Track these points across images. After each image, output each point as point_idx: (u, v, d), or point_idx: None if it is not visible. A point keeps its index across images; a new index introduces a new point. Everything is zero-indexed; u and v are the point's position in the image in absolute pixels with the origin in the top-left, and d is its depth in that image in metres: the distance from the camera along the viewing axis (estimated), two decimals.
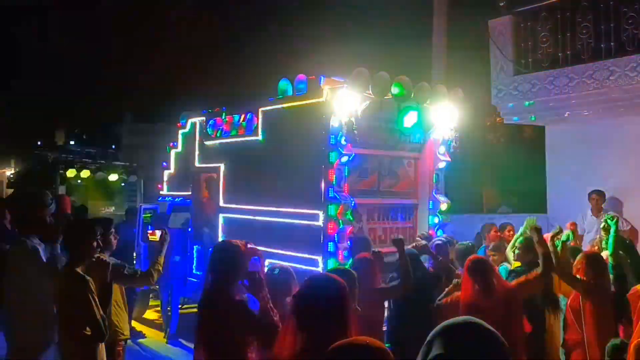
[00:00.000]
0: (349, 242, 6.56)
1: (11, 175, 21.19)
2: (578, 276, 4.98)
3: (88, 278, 3.66)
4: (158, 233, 5.04)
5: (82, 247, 3.80)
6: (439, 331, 1.49)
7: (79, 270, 3.72)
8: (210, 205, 8.95)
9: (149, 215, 9.82)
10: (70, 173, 15.21)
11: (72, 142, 16.27)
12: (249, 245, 3.73)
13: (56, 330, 4.00)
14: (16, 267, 4.21)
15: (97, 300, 3.64)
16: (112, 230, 4.81)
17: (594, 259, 5.05)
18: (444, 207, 7.75)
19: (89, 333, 3.57)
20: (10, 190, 17.37)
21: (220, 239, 8.05)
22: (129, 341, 7.47)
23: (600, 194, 8.47)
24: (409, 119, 7.21)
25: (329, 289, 2.51)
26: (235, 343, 3.23)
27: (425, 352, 1.47)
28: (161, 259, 4.57)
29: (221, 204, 8.37)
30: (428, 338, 1.49)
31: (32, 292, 4.10)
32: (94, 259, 4.05)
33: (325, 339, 2.26)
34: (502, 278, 5.02)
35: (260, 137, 7.69)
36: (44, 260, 4.07)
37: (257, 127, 7.73)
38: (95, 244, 3.87)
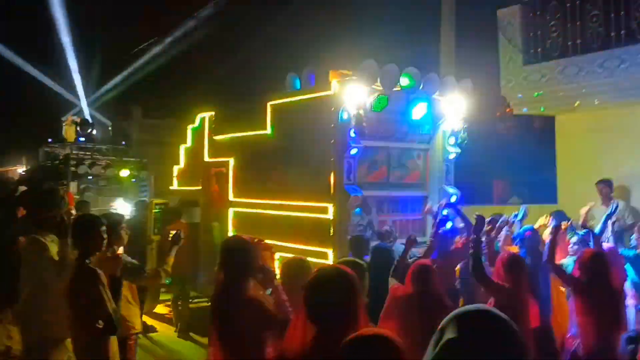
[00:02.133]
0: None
1: (23, 173, 21.35)
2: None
3: (99, 271, 3.69)
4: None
5: (90, 240, 3.83)
6: (451, 317, 1.50)
7: (88, 263, 3.75)
8: (220, 199, 9.00)
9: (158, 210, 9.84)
10: (81, 169, 15.32)
11: (82, 139, 16.25)
12: (257, 240, 3.75)
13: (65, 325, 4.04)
14: (29, 263, 4.26)
15: (108, 293, 3.67)
16: (123, 225, 4.84)
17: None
18: (453, 199, 7.73)
19: (101, 326, 3.60)
20: (23, 188, 17.45)
21: (230, 233, 8.11)
22: (140, 335, 7.59)
23: (607, 183, 8.39)
24: (418, 111, 7.22)
25: (339, 280, 2.50)
26: (250, 339, 3.24)
27: (437, 338, 1.48)
28: (170, 260, 4.59)
29: (231, 198, 8.41)
30: (441, 324, 1.50)
31: (44, 287, 4.14)
32: (104, 253, 4.08)
33: (335, 330, 2.30)
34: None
35: (269, 131, 7.71)
36: (56, 256, 4.11)
37: (266, 121, 7.75)
38: (103, 236, 3.89)
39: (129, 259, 4.64)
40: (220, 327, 3.33)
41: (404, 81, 6.84)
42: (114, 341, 3.83)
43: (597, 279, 4.61)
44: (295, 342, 2.48)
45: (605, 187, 8.29)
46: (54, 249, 4.14)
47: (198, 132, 9.34)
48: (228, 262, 3.44)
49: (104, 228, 3.93)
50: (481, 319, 1.49)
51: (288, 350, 2.52)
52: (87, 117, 18.71)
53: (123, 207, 13.40)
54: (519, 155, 14.50)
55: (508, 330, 1.46)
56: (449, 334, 1.45)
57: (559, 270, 5.15)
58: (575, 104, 9.53)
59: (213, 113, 8.93)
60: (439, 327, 1.50)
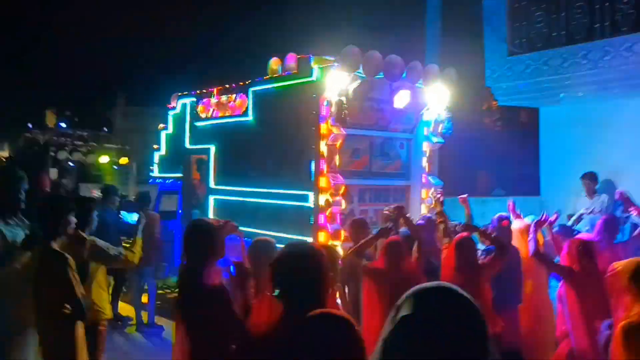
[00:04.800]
0: (338, 222, 6.52)
1: (3, 159, 21.06)
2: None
3: (67, 255, 3.57)
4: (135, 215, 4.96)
5: (57, 222, 3.70)
6: (408, 295, 1.42)
7: (55, 246, 3.63)
8: (200, 186, 8.90)
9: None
10: (61, 155, 15.13)
11: (63, 125, 16.02)
12: (224, 222, 3.66)
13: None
14: None
15: (77, 277, 3.55)
16: (94, 210, 4.73)
17: None
18: (437, 189, 7.69)
19: (69, 312, 3.49)
20: None
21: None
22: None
23: (592, 177, 8.40)
24: (401, 99, 7.14)
25: (307, 257, 2.45)
26: (214, 324, 3.16)
27: (393, 315, 1.40)
28: (139, 241, 4.49)
29: (212, 185, 8.31)
30: (398, 302, 1.42)
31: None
32: (71, 236, 3.94)
33: (301, 306, 2.26)
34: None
35: (250, 118, 7.60)
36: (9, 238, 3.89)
37: (247, 108, 7.64)
38: (70, 219, 3.77)
39: (101, 242, 4.50)
40: (183, 311, 3.24)
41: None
42: (81, 327, 3.71)
43: (587, 266, 4.70)
44: (263, 316, 2.43)
45: (590, 180, 8.29)
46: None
47: (179, 118, 9.20)
48: (190, 246, 3.35)
49: (72, 210, 3.81)
50: (438, 295, 1.41)
51: (255, 328, 2.46)
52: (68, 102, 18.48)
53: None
54: (503, 147, 14.53)
55: (467, 307, 1.39)
56: (404, 311, 1.38)
57: (548, 261, 5.15)
58: (561, 96, 9.52)
59: (194, 99, 8.79)
60: (396, 304, 1.43)
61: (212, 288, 3.15)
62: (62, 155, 14.99)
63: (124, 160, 15.92)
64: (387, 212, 6.07)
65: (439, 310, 1.37)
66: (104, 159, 15.56)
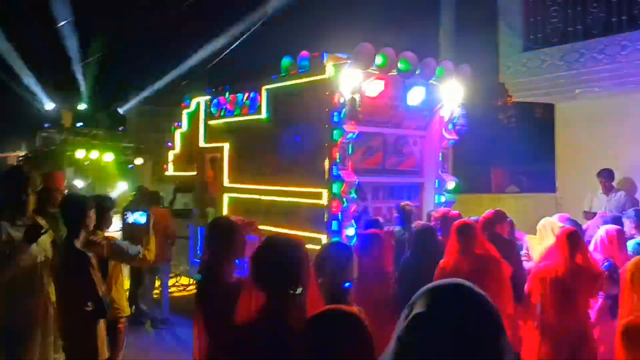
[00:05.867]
0: (353, 221, 6.50)
1: (21, 158, 21.28)
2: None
3: (89, 253, 3.62)
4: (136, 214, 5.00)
5: (79, 221, 3.74)
6: (422, 291, 1.40)
7: (77, 245, 3.67)
8: (215, 185, 8.92)
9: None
10: (78, 155, 15.27)
11: (79, 124, 16.18)
12: (249, 221, 3.67)
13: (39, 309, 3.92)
14: None
15: (99, 275, 3.60)
16: (112, 208, 4.78)
17: None
18: (450, 185, 7.64)
19: (90, 309, 3.53)
20: None
21: None
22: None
23: (608, 174, 8.28)
24: (415, 96, 7.11)
25: (288, 248, 2.50)
26: (232, 321, 3.18)
27: (407, 312, 1.38)
28: (151, 240, 4.53)
29: (226, 183, 8.33)
30: (411, 300, 1.40)
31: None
32: (92, 235, 4.00)
33: (283, 298, 2.36)
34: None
35: (264, 116, 7.61)
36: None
37: (260, 106, 7.64)
38: (91, 218, 3.82)
39: (120, 241, 4.55)
40: (203, 309, 3.26)
41: (401, 65, 6.71)
42: (102, 324, 3.76)
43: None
44: (245, 310, 2.46)
45: (607, 177, 8.18)
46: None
47: (193, 117, 9.23)
48: (212, 243, 3.37)
49: (92, 209, 3.85)
50: (453, 292, 1.39)
51: (239, 317, 2.48)
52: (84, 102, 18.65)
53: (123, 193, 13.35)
54: (517, 143, 14.42)
55: (482, 304, 1.36)
56: (418, 308, 1.36)
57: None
58: (576, 92, 9.41)
59: (209, 97, 8.82)
60: (410, 301, 1.41)
61: (231, 285, 3.17)
62: (79, 154, 15.13)
63: (139, 160, 16.02)
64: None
65: (454, 308, 1.34)
66: (120, 159, 15.71)
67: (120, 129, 18.09)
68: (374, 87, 6.72)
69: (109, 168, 15.75)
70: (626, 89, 8.87)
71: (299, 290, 2.41)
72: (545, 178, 11.58)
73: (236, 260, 3.41)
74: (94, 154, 15.40)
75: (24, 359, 3.71)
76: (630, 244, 5.28)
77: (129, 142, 17.67)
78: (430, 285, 1.42)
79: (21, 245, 3.69)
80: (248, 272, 2.57)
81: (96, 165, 15.60)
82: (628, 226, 5.93)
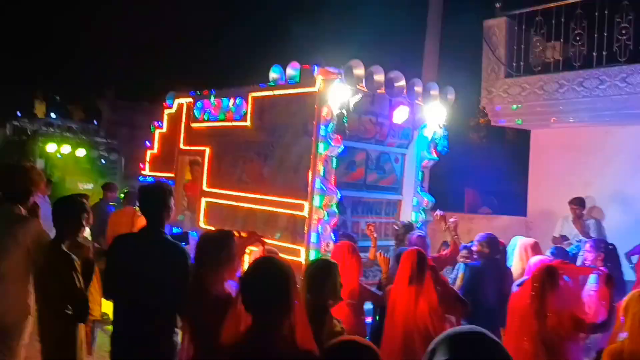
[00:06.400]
0: (333, 234, 6.56)
1: None
2: None
3: (74, 257, 3.59)
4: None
5: (69, 224, 3.72)
6: (443, 338, 1.47)
7: (64, 247, 3.64)
8: (192, 188, 8.87)
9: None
10: (50, 147, 14.97)
11: (52, 115, 15.89)
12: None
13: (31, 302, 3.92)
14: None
15: (81, 279, 3.57)
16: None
17: None
18: (427, 204, 7.78)
19: (71, 312, 3.50)
20: None
21: (201, 223, 8.01)
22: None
23: (579, 202, 8.54)
24: (400, 115, 7.22)
25: (275, 270, 2.53)
26: (218, 333, 3.20)
27: (428, 358, 1.45)
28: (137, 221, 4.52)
29: (204, 187, 8.29)
30: (431, 346, 1.47)
31: (15, 262, 3.93)
32: (78, 237, 3.96)
33: (269, 320, 2.41)
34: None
35: (248, 123, 7.61)
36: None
37: (246, 113, 7.65)
38: (82, 222, 3.79)
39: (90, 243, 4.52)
40: (190, 321, 3.27)
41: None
42: (81, 327, 3.72)
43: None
44: (232, 331, 2.49)
45: (578, 205, 8.43)
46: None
47: (174, 118, 9.17)
48: (201, 254, 3.38)
49: (85, 214, 3.83)
50: (474, 341, 1.46)
51: (226, 339, 2.51)
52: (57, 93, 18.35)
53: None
54: (490, 165, 14.71)
55: (499, 353, 1.44)
56: (441, 356, 1.43)
57: None
58: (552, 120, 9.68)
59: (191, 100, 8.78)
60: (430, 347, 1.48)
61: (219, 299, 3.18)
62: (51, 147, 14.85)
63: (114, 156, 15.84)
64: (396, 227, 6.21)
65: (475, 357, 1.42)
66: (93, 153, 15.46)
67: (94, 122, 17.79)
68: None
69: (80, 163, 15.48)
70: (599, 121, 9.17)
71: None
72: (515, 200, 11.85)
73: (227, 274, 3.41)
74: (66, 148, 15.13)
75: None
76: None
77: (103, 137, 17.39)
78: (450, 331, 1.49)
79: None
80: (237, 292, 2.60)
81: (68, 159, 15.31)
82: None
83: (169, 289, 3.50)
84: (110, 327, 7.82)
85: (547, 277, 4.22)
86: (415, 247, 4.93)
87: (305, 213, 6.64)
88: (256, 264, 2.64)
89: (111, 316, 7.68)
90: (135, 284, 3.56)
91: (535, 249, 5.75)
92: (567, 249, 7.30)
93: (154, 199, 3.87)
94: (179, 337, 3.62)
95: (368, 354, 1.86)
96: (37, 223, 4.06)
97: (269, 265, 2.59)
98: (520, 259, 5.70)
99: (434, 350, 1.46)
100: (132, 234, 4.36)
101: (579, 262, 6.51)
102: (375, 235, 6.63)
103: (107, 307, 8.43)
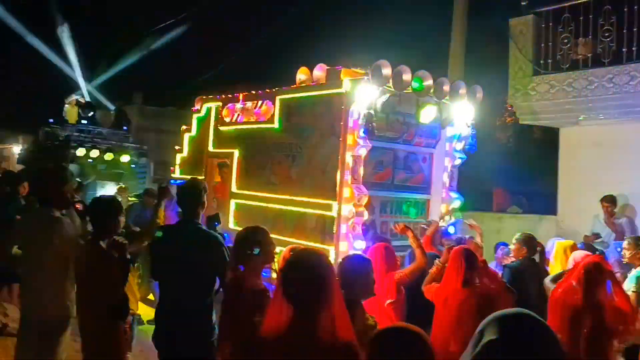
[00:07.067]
0: (362, 234, 6.58)
1: (20, 152, 21.23)
2: None
3: (113, 255, 3.68)
4: None
5: (108, 223, 3.82)
6: (490, 320, 1.51)
7: (103, 246, 3.73)
8: (222, 190, 8.98)
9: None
10: (80, 152, 15.28)
11: (83, 122, 16.21)
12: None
13: (73, 305, 4.04)
14: (41, 235, 4.17)
15: (121, 278, 3.66)
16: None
17: None
18: (456, 204, 7.75)
19: (110, 312, 3.58)
20: (20, 166, 17.40)
21: (230, 225, 8.11)
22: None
23: (611, 200, 8.42)
24: (427, 114, 7.20)
25: (315, 261, 2.56)
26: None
27: (477, 339, 1.48)
28: (161, 213, 4.66)
29: (234, 189, 8.40)
30: (479, 327, 1.51)
31: (59, 260, 4.06)
32: (115, 237, 4.06)
33: (311, 310, 2.42)
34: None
35: (276, 125, 7.69)
36: (71, 231, 4.08)
37: (273, 115, 7.73)
38: (120, 221, 3.90)
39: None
40: (227, 313, 3.34)
41: (415, 84, 6.84)
42: (122, 327, 3.82)
43: None
44: (273, 321, 2.52)
45: (610, 203, 8.32)
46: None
47: (203, 122, 9.31)
48: (239, 250, 3.46)
49: (122, 213, 3.93)
50: (522, 321, 1.50)
51: (267, 331, 2.54)
52: (88, 98, 18.67)
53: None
54: (518, 165, 14.56)
55: (548, 334, 1.47)
56: (489, 335, 1.46)
57: None
58: (580, 118, 9.57)
59: (220, 103, 8.91)
60: (478, 328, 1.51)
61: (256, 292, 3.25)
62: (82, 152, 15.16)
63: (143, 161, 16.14)
64: (424, 226, 6.20)
65: (524, 337, 1.45)
66: (124, 158, 15.72)
67: (124, 128, 18.06)
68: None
69: (110, 167, 15.76)
70: (629, 118, 9.03)
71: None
72: (544, 200, 11.71)
73: (261, 269, 3.48)
74: (95, 152, 15.43)
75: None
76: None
77: (132, 142, 17.68)
78: (498, 313, 1.53)
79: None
80: (276, 285, 2.64)
81: (98, 163, 15.60)
82: (613, 252, 6.12)
83: (205, 271, 4.05)
84: (142, 327, 8.09)
85: (596, 272, 4.19)
86: (463, 246, 4.97)
87: (333, 213, 6.68)
88: (296, 256, 2.67)
89: (143, 316, 7.92)
90: (177, 267, 4.07)
91: (574, 250, 5.68)
92: (602, 247, 7.21)
93: (191, 194, 4.39)
94: (214, 316, 4.11)
95: (419, 340, 1.87)
96: (69, 224, 4.19)
97: (309, 257, 2.62)
98: (560, 261, 5.62)
99: (482, 332, 1.50)
100: (173, 225, 4.83)
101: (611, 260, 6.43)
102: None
103: (141, 308, 8.67)
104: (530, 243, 5.80)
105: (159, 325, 4.19)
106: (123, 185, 12.70)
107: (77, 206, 4.20)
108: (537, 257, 5.90)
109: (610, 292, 4.21)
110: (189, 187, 4.49)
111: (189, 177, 9.57)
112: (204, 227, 4.48)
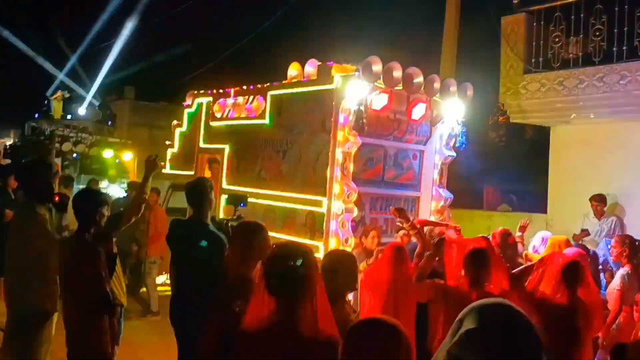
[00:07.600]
0: (350, 229, 6.56)
1: (8, 146, 21.10)
2: None
3: (99, 248, 3.63)
4: None
5: (93, 215, 3.77)
6: (470, 309, 1.50)
7: (87, 238, 3.69)
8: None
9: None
10: (66, 147, 15.26)
11: (68, 116, 16.14)
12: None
13: (55, 299, 4.00)
14: (22, 234, 4.15)
15: (105, 271, 3.61)
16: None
17: None
18: (446, 202, 7.74)
19: (95, 305, 3.54)
20: (7, 161, 17.30)
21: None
22: None
23: (600, 199, 8.45)
24: (418, 111, 7.19)
25: (298, 254, 2.56)
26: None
27: (456, 328, 1.48)
28: (147, 187, 4.58)
29: (224, 185, 8.35)
30: (459, 316, 1.50)
31: (39, 260, 4.05)
32: (100, 230, 4.01)
33: (291, 304, 2.44)
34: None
35: (267, 121, 7.65)
36: (48, 226, 4.05)
37: (264, 111, 7.69)
38: (104, 214, 3.85)
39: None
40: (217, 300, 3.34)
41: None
42: (106, 320, 3.77)
43: None
44: (256, 316, 2.52)
45: (599, 202, 8.35)
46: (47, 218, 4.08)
47: (194, 117, 9.25)
48: (237, 240, 3.47)
49: (107, 206, 3.89)
50: (501, 311, 1.49)
51: (249, 324, 2.54)
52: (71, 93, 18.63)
53: (111, 189, 13.40)
54: (509, 163, 14.60)
55: (526, 324, 1.47)
56: (468, 324, 1.45)
57: None
58: (571, 117, 9.59)
59: (210, 99, 8.85)
60: (458, 317, 1.50)
61: (243, 277, 3.25)
62: (67, 147, 15.12)
63: (128, 156, 16.04)
64: (399, 224, 6.06)
65: (503, 325, 1.44)
66: (107, 153, 15.69)
67: (108, 123, 18.00)
68: (379, 100, 6.80)
69: (95, 162, 15.72)
70: (620, 117, 9.06)
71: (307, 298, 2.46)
72: (534, 198, 11.75)
73: (255, 262, 3.49)
74: (81, 148, 15.41)
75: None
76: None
77: (117, 137, 17.62)
78: (478, 302, 1.52)
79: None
80: (258, 278, 2.63)
81: (83, 158, 15.57)
82: (604, 249, 6.14)
83: (210, 264, 4.23)
84: (132, 323, 8.08)
85: (575, 271, 4.19)
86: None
87: (323, 209, 6.66)
88: (278, 249, 2.67)
89: (135, 311, 7.91)
90: (186, 259, 4.44)
91: (568, 247, 5.67)
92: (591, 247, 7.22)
93: (198, 193, 4.62)
94: None
95: (393, 333, 1.84)
96: (46, 219, 4.14)
97: (290, 250, 2.62)
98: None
99: (461, 320, 1.50)
100: (184, 220, 5.16)
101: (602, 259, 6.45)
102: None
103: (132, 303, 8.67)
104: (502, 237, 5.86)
105: (172, 312, 4.44)
106: (95, 179, 12.73)
107: (55, 198, 4.14)
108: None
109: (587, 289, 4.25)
110: (195, 186, 4.65)
111: (179, 172, 9.59)
112: (210, 226, 4.64)
